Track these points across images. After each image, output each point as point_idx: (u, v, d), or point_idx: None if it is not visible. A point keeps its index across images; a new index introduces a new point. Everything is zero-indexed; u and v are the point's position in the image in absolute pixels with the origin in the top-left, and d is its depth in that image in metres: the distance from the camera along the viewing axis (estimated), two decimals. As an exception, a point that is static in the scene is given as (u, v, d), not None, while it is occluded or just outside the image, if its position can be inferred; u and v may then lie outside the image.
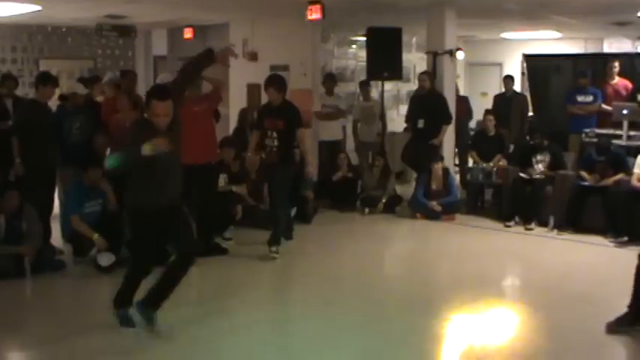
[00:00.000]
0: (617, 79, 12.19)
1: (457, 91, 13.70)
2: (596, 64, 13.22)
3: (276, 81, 8.56)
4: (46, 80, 8.68)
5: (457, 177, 12.84)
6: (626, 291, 7.27)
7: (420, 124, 11.36)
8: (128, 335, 6.06)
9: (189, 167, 8.16)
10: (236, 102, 13.91)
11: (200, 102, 8.52)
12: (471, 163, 12.40)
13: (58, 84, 9.24)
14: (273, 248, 8.52)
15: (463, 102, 13.84)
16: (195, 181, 8.11)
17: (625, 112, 11.01)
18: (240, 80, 13.88)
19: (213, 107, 9.09)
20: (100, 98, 10.36)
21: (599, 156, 10.03)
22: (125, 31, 15.64)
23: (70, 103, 9.31)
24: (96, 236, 7.98)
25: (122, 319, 6.15)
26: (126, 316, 6.15)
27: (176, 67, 15.65)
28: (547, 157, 10.46)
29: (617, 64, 12.26)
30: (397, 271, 8.64)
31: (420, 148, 11.29)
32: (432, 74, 11.54)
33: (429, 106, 11.34)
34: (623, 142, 10.81)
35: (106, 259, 7.86)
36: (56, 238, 8.77)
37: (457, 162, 13.59)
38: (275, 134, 8.43)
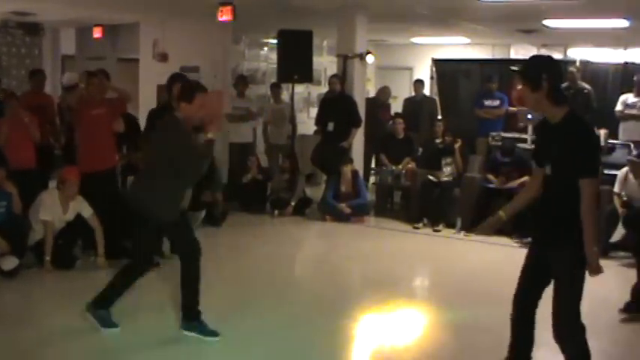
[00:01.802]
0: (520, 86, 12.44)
1: (388, 96, 13.92)
2: (503, 70, 13.52)
3: (180, 78, 8.33)
4: None
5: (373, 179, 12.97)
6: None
7: (330, 127, 11.43)
8: (36, 342, 5.93)
9: (89, 175, 8.16)
10: (146, 103, 13.74)
11: (99, 106, 8.41)
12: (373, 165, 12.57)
13: None
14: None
15: (387, 107, 14.03)
16: (97, 187, 8.15)
17: (530, 116, 11.26)
18: (151, 81, 13.73)
19: (116, 114, 8.76)
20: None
21: (504, 158, 10.27)
22: (32, 29, 15.32)
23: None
24: (-1, 239, 7.76)
25: (105, 321, 6.04)
26: (107, 317, 6.05)
27: (84, 67, 15.51)
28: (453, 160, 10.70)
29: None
30: (307, 273, 8.66)
31: (330, 150, 11.35)
32: (342, 77, 11.62)
33: (339, 109, 11.41)
34: (528, 146, 11.06)
35: (9, 263, 7.62)
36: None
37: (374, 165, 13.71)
38: None
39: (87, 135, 8.42)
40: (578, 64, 12.59)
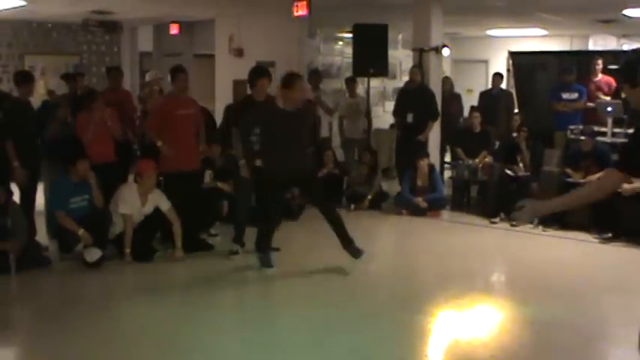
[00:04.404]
0: (600, 76, 12.22)
1: (452, 87, 13.76)
2: (581, 62, 13.28)
3: (267, 72, 8.47)
4: (26, 78, 8.68)
5: (449, 173, 12.89)
6: (610, 287, 7.33)
7: (410, 117, 11.38)
8: (116, 331, 6.07)
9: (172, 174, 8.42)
10: (222, 98, 13.89)
11: (187, 106, 8.71)
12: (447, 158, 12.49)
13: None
14: (235, 247, 8.53)
15: (456, 99, 13.89)
16: (180, 187, 8.46)
17: (609, 109, 11.05)
18: (226, 76, 13.87)
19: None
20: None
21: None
22: (111, 27, 15.62)
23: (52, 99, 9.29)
24: (82, 232, 7.94)
25: (263, 261, 7.86)
26: (267, 257, 7.86)
27: (162, 63, 15.76)
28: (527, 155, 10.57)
29: (600, 61, 12.30)
30: (382, 267, 8.64)
31: (408, 144, 11.32)
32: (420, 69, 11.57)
33: (418, 101, 11.37)
34: (607, 139, 10.85)
35: (92, 255, 7.81)
36: (41, 234, 8.73)
37: (449, 159, 13.62)
38: None
39: (173, 135, 8.52)
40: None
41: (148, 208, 8.24)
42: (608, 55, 12.94)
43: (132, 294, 7.37)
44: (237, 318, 6.50)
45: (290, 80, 7.64)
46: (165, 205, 8.23)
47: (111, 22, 15.51)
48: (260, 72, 8.41)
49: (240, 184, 8.42)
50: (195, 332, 6.00)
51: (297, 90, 7.55)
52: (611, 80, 12.10)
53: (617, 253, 8.95)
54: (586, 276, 7.92)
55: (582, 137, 10.31)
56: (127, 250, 8.02)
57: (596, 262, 8.60)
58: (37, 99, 9.53)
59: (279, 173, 7.69)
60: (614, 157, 9.85)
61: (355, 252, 7.85)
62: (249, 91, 8.47)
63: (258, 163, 7.95)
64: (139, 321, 6.42)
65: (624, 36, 16.54)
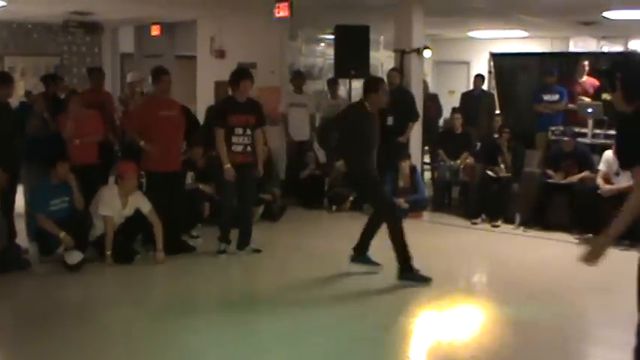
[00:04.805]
0: (585, 78, 12.27)
1: (426, 89, 13.76)
2: (562, 63, 13.33)
3: (250, 73, 8.49)
4: (5, 80, 8.62)
5: (429, 174, 12.91)
6: (591, 287, 7.37)
7: (390, 120, 11.38)
8: (96, 335, 6.03)
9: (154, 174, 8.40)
10: (204, 99, 13.87)
11: (169, 107, 8.71)
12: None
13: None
14: (222, 246, 8.55)
15: (433, 100, 13.90)
16: (162, 186, 8.43)
17: (590, 110, 11.10)
18: (208, 77, 13.84)
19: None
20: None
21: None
22: (92, 28, 15.55)
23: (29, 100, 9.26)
24: (63, 234, 7.89)
25: (366, 262, 7.88)
26: (368, 259, 7.87)
27: (143, 64, 15.70)
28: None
29: (587, 62, 12.34)
30: (362, 268, 8.64)
31: (388, 146, 11.30)
32: (401, 71, 11.58)
33: (398, 103, 11.37)
34: (588, 140, 10.90)
35: (73, 258, 7.76)
36: (21, 237, 8.66)
37: (428, 160, 13.66)
38: (248, 131, 8.31)
39: (155, 136, 8.50)
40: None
41: (129, 210, 8.20)
42: (590, 57, 12.99)
43: (113, 297, 7.35)
44: (217, 320, 6.47)
45: (376, 84, 7.82)
46: (146, 207, 8.19)
47: (91, 23, 15.46)
48: (243, 73, 8.44)
49: (223, 185, 8.42)
50: (175, 335, 5.97)
51: (382, 93, 7.73)
52: (596, 82, 12.13)
53: (598, 254, 8.97)
54: (567, 276, 7.95)
55: (565, 138, 10.36)
56: (108, 253, 7.98)
57: (576, 263, 8.59)
58: (15, 100, 9.46)
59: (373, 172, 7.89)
60: (595, 157, 9.93)
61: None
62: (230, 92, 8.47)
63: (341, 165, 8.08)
64: (120, 324, 6.38)
65: (604, 38, 16.63)
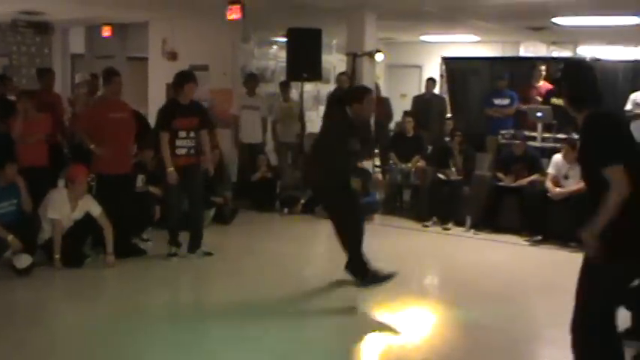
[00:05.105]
0: (542, 82, 12.39)
1: (378, 92, 13.79)
2: (513, 67, 13.48)
3: (194, 76, 8.47)
4: None
5: (379, 177, 12.94)
6: (541, 288, 7.45)
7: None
8: (46, 339, 5.95)
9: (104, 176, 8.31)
10: (155, 101, 13.74)
11: (120, 109, 8.66)
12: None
13: None
14: (173, 249, 8.52)
15: (383, 103, 13.95)
16: (113, 189, 8.40)
17: (539, 114, 11.22)
18: (160, 80, 13.74)
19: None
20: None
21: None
22: (42, 28, 15.35)
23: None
24: (11, 237, 7.75)
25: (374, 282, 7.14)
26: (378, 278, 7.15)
27: (94, 65, 15.53)
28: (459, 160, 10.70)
29: (543, 67, 12.46)
30: (315, 270, 8.64)
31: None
32: (352, 75, 11.61)
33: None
34: (537, 144, 11.03)
35: (22, 262, 7.62)
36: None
37: (379, 163, 13.71)
38: (192, 134, 8.31)
39: (105, 138, 8.44)
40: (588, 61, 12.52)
41: (78, 214, 8.09)
42: (546, 62, 13.11)
43: (62, 301, 7.28)
44: (167, 324, 6.42)
45: (362, 94, 7.50)
46: (96, 210, 8.10)
47: (41, 23, 15.26)
48: (186, 77, 8.43)
49: (168, 188, 8.39)
50: (125, 339, 5.92)
51: (367, 103, 7.40)
52: (550, 86, 12.23)
53: (547, 255, 9.11)
54: (517, 278, 8.04)
55: (516, 142, 10.47)
56: (57, 256, 7.87)
57: (526, 265, 8.74)
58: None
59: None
60: (544, 161, 10.05)
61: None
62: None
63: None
64: (70, 328, 6.32)
65: (554, 43, 16.84)
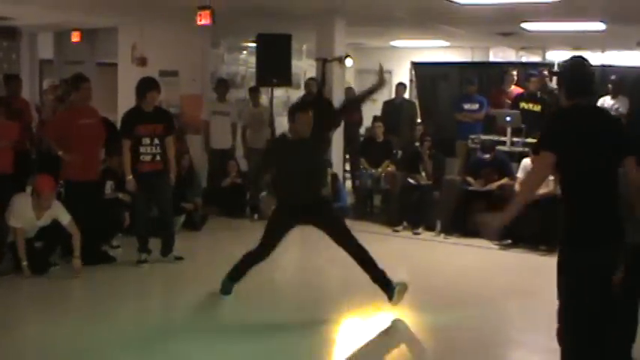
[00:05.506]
0: (513, 87, 12.47)
1: (353, 95, 13.80)
2: (483, 73, 13.56)
3: (157, 84, 8.49)
4: None
5: (349, 183, 12.96)
6: (510, 291, 7.49)
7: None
8: (13, 348, 5.89)
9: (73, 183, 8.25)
10: (125, 108, 13.62)
11: (89, 115, 8.56)
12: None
13: None
14: (143, 256, 8.50)
15: (356, 108, 13.95)
16: (81, 196, 8.33)
17: (508, 119, 11.28)
18: (129, 85, 13.61)
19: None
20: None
21: (484, 154, 10.29)
22: (9, 33, 15.22)
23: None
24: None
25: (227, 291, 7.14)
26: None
27: (63, 71, 15.42)
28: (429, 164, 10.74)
29: (515, 72, 12.55)
30: (285, 277, 8.64)
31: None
32: (321, 80, 11.62)
33: (316, 111, 11.37)
34: (506, 148, 11.09)
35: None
36: None
37: (349, 168, 13.72)
38: (156, 140, 8.27)
39: (74, 144, 8.38)
40: (556, 66, 12.61)
41: (44, 221, 7.97)
42: (510, 67, 13.21)
43: (30, 309, 7.21)
44: (137, 333, 6.38)
45: (292, 115, 7.32)
46: (65, 218, 7.99)
47: (9, 28, 15.13)
48: (149, 84, 8.42)
49: (135, 195, 8.37)
50: (94, 348, 5.87)
51: (300, 123, 7.22)
52: (520, 90, 12.31)
53: (517, 259, 9.17)
54: (487, 282, 8.08)
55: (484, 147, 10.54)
56: (25, 263, 7.77)
57: (496, 268, 8.79)
58: None
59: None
60: (514, 165, 10.11)
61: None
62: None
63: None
64: (37, 337, 6.24)
65: (523, 48, 16.98)
